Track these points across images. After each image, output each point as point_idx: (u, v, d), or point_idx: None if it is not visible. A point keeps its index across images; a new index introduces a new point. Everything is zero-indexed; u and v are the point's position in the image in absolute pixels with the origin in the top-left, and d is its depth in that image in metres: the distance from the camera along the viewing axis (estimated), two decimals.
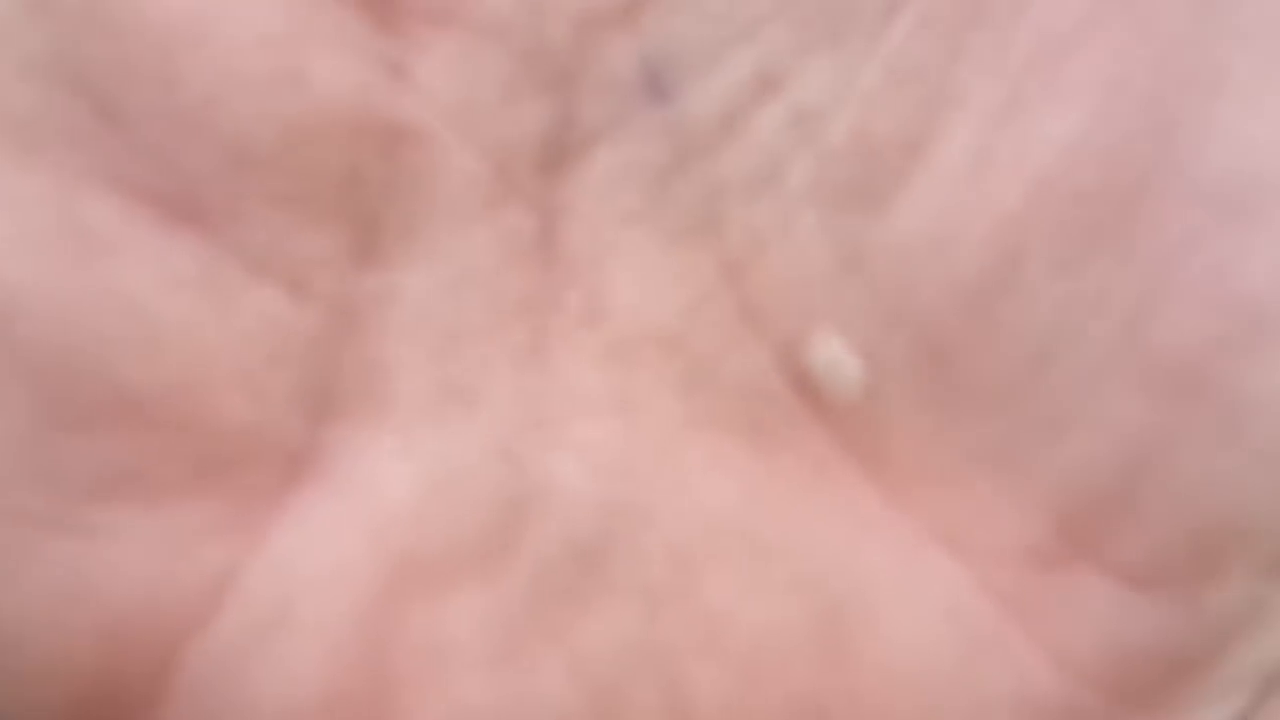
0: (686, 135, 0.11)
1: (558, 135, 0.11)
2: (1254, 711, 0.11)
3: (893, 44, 0.11)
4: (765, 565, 0.11)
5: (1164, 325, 0.11)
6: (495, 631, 0.11)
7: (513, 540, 0.11)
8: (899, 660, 0.11)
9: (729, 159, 0.11)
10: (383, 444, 0.11)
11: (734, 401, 0.11)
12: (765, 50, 0.11)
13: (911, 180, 0.11)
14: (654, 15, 0.11)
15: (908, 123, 0.11)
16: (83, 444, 0.10)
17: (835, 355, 0.11)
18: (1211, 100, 0.11)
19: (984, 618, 0.11)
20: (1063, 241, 0.11)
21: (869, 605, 0.11)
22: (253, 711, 0.10)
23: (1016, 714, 0.11)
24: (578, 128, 0.11)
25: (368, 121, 0.11)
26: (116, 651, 0.10)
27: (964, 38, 0.11)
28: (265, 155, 0.11)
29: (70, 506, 0.10)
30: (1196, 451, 0.11)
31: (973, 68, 0.11)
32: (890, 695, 0.11)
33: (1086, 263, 0.11)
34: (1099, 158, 0.11)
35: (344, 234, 0.11)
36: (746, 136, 0.11)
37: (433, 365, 0.11)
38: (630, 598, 0.11)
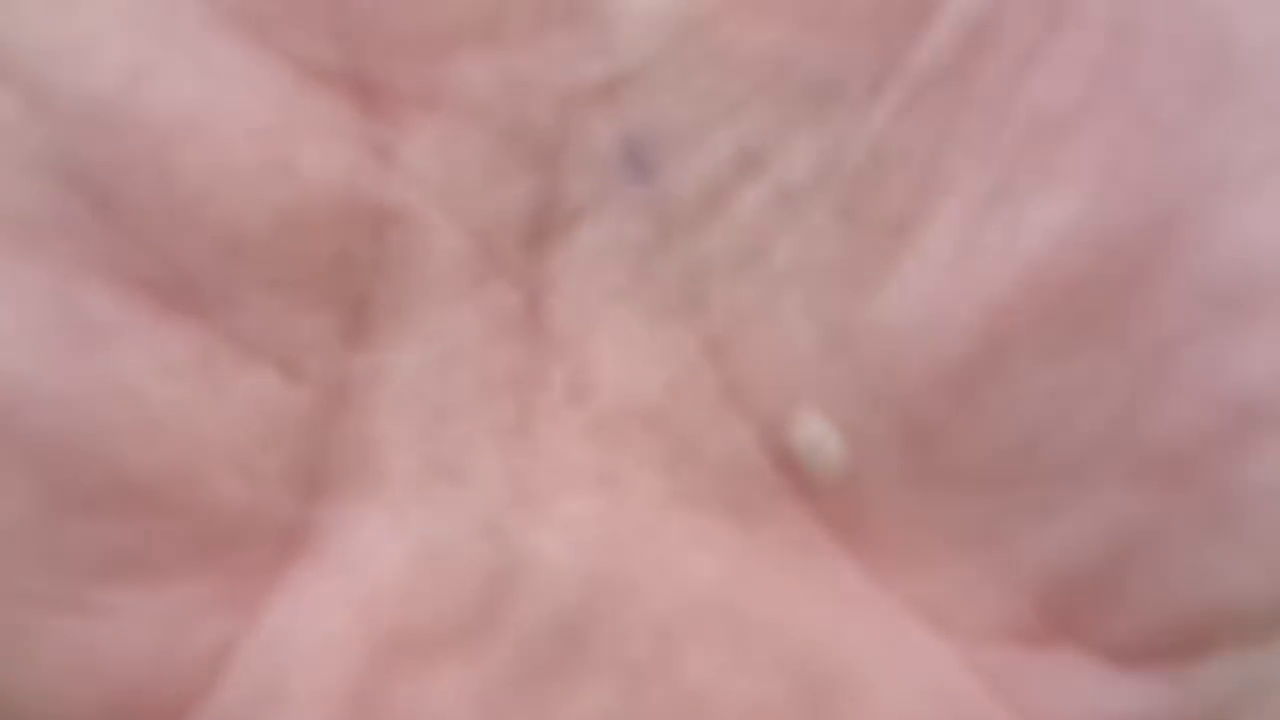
0: (669, 213, 0.11)
1: (542, 213, 0.11)
2: None
3: (878, 123, 0.11)
4: (748, 642, 0.11)
5: (1156, 417, 0.10)
6: (480, 706, 0.11)
7: (498, 615, 0.11)
8: None
9: (712, 237, 0.11)
10: (373, 520, 0.11)
11: (717, 478, 0.11)
12: (748, 128, 0.11)
13: (897, 262, 0.11)
14: (635, 93, 0.11)
15: (893, 204, 0.11)
16: (85, 527, 0.11)
17: (818, 434, 0.11)
18: (1211, 191, 0.10)
19: (969, 696, 0.11)
20: (1052, 331, 0.10)
21: (853, 683, 0.11)
22: None
23: None
24: (561, 205, 0.11)
25: (356, 205, 0.11)
26: None
27: (953, 118, 0.10)
28: (257, 242, 0.11)
29: (74, 587, 0.11)
30: (1185, 541, 0.10)
31: (962, 150, 0.10)
32: None
33: (1076, 352, 0.10)
34: (1092, 247, 0.10)
35: (334, 315, 0.11)
36: (729, 215, 0.11)
37: (421, 442, 0.11)
38: (612, 674, 0.11)
